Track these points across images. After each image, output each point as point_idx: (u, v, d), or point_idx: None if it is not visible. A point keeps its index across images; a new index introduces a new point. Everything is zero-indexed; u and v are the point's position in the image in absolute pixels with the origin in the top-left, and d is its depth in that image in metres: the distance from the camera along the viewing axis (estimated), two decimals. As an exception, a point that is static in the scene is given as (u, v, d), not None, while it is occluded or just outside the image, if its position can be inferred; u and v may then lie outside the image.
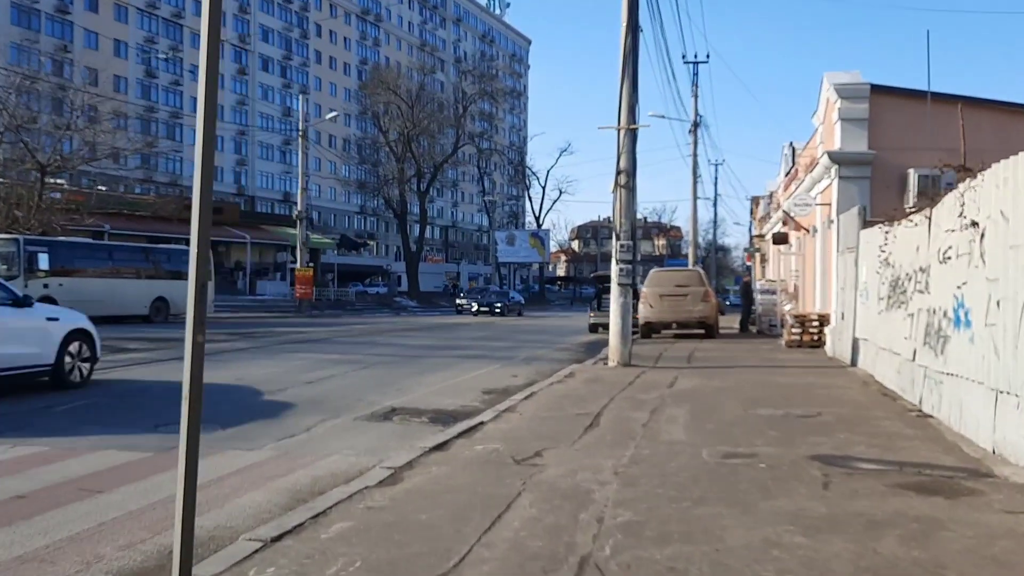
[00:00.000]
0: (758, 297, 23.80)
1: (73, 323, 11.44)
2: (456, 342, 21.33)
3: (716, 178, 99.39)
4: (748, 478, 5.76)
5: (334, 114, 45.96)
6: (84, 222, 29.25)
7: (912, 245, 9.95)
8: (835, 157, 16.12)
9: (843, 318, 15.03)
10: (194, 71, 76.67)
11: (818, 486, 5.53)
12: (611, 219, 13.80)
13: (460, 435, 7.66)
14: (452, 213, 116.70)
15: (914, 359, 9.41)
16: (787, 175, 23.28)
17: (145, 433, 8.06)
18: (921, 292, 9.34)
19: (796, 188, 21.86)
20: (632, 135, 13.65)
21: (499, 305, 43.44)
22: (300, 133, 39.30)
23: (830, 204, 17.17)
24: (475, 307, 43.24)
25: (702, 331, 21.26)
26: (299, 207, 38.87)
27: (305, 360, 15.21)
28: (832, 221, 16.64)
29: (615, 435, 7.57)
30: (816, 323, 17.41)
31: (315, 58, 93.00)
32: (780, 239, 22.69)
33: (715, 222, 74.34)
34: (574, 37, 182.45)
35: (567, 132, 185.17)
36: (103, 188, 47.55)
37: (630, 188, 13.59)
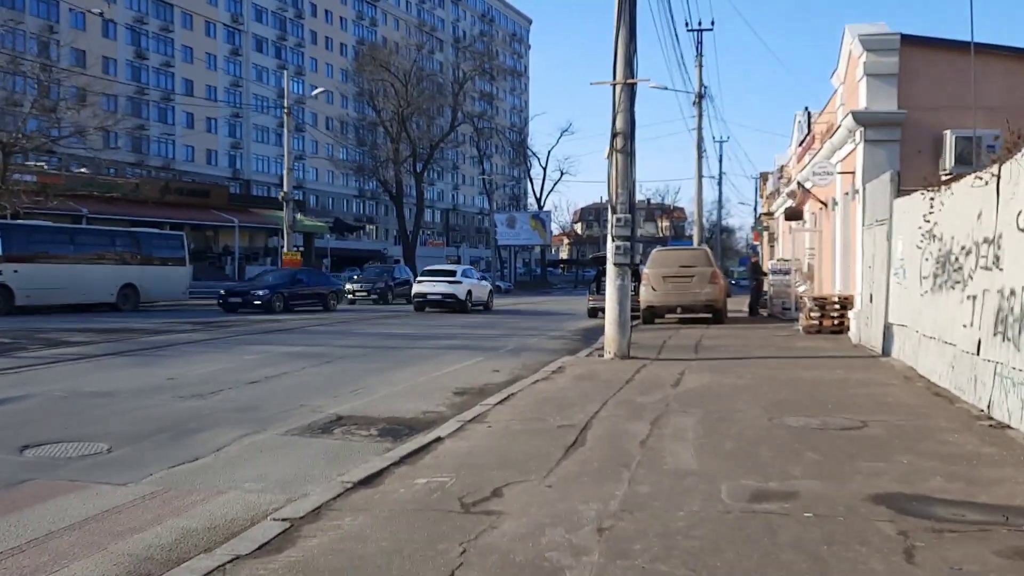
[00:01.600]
0: (769, 278, 21.96)
1: (490, 284, 31.38)
2: (441, 330, 19.55)
3: (721, 155, 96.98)
4: (792, 539, 3.96)
5: (320, 90, 43.95)
6: (48, 204, 27.40)
7: (971, 211, 8.13)
8: (860, 118, 14.25)
9: (871, 301, 13.22)
10: (186, 52, 74.99)
11: (898, 554, 3.73)
12: (607, 190, 11.98)
13: (404, 459, 5.91)
14: (453, 196, 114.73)
15: (978, 352, 7.60)
16: (801, 144, 21.40)
17: (8, 456, 6.31)
18: (987, 269, 7.52)
19: (812, 158, 19.98)
20: (630, 91, 11.80)
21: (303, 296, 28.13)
22: (285, 111, 37.40)
23: (853, 172, 15.33)
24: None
25: (709, 315, 19.43)
26: (285, 188, 37.04)
27: (262, 354, 13.44)
28: (856, 191, 14.80)
29: (604, 459, 5.79)
30: (837, 306, 15.59)
31: (310, 39, 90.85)
32: (793, 214, 20.83)
33: (720, 201, 72.28)
34: (575, 15, 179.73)
35: (568, 112, 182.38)
36: (85, 170, 45.80)
37: (628, 153, 11.76)
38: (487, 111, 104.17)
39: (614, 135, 11.78)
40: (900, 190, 12.03)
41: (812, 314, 15.53)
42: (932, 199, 9.71)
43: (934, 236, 9.66)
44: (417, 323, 22.26)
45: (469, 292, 28.05)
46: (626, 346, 11.85)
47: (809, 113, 19.60)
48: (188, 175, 70.12)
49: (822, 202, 18.83)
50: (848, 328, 15.06)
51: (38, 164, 42.35)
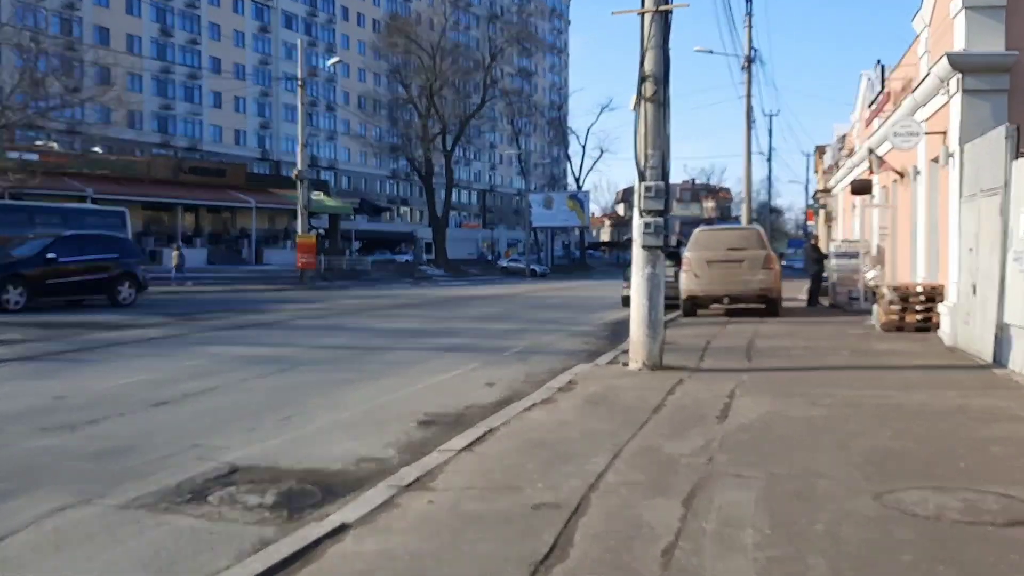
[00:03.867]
0: (832, 262, 19.01)
1: None
2: (449, 324, 16.99)
3: (771, 130, 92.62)
4: None
5: (335, 60, 41.66)
6: (29, 184, 25.24)
7: None
8: (958, 62, 11.30)
9: (974, 293, 10.34)
10: (213, 29, 73.14)
11: None
12: (633, 150, 9.26)
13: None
14: (490, 177, 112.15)
15: None
16: (871, 106, 18.37)
17: None
18: None
19: (883, 121, 16.99)
20: (662, 21, 9.05)
21: None
22: (299, 83, 35.01)
23: (945, 132, 12.40)
24: None
25: (762, 306, 16.59)
26: (299, 166, 34.73)
27: (209, 358, 10.99)
28: (951, 154, 11.86)
29: (594, 608, 3.17)
30: (922, 299, 12.69)
31: (342, 14, 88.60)
32: (861, 188, 17.85)
33: (769, 179, 68.78)
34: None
35: (610, 88, 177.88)
36: (98, 150, 44.06)
37: (660, 102, 9.03)
38: (525, 89, 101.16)
39: (642, 79, 9.05)
40: (1019, 151, 9.17)
41: (892, 307, 12.65)
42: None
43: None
44: (426, 315, 19.76)
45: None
46: (657, 353, 9.16)
47: (883, 67, 16.55)
48: (215, 155, 68.43)
49: (898, 172, 15.87)
50: (938, 326, 12.18)
51: (51, 144, 40.75)
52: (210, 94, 72.98)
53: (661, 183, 8.97)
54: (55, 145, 40.99)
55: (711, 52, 30.14)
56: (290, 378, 9.45)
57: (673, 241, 9.32)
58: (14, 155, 27.12)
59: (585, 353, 11.84)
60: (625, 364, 9.52)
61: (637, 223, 9.11)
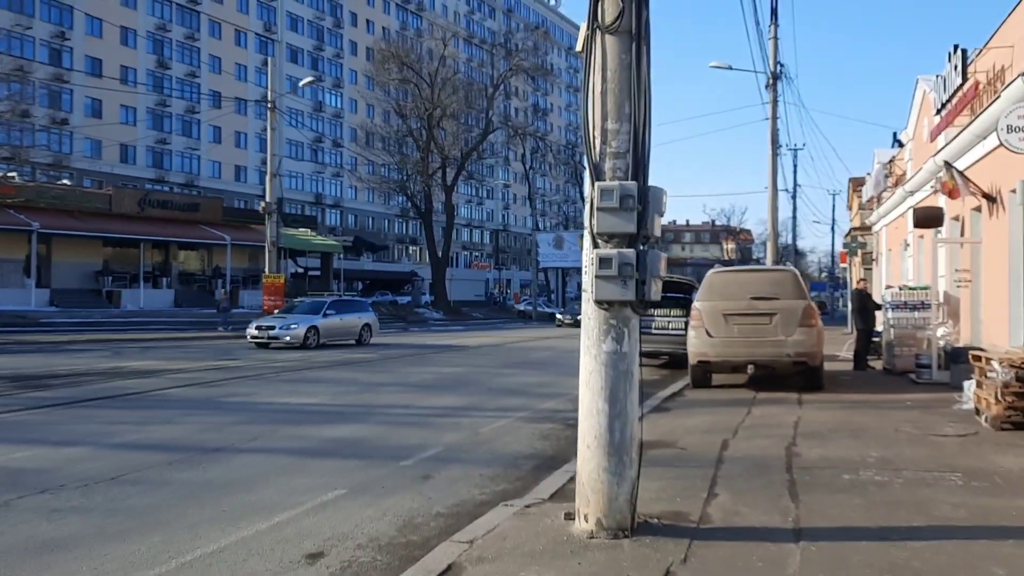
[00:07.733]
0: (888, 315, 14.63)
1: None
2: (373, 396, 12.71)
3: (795, 165, 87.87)
4: None
5: (308, 80, 38.17)
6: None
7: None
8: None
9: None
10: (213, 62, 70.32)
11: None
12: (581, 122, 5.11)
13: None
14: (503, 216, 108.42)
15: None
16: (940, 112, 14.04)
17: None
18: None
19: (961, 131, 12.72)
20: None
21: None
22: (269, 105, 31.22)
23: (1086, 127, 8.15)
24: None
25: (800, 374, 12.19)
26: (267, 198, 30.90)
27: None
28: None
29: None
30: (1049, 377, 8.30)
31: (350, 49, 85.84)
32: (928, 219, 13.53)
33: (794, 217, 64.12)
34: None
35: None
36: (67, 182, 40.63)
37: (631, 33, 4.85)
38: (540, 128, 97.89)
39: (597, -6, 4.88)
40: None
41: (1007, 391, 8.25)
42: None
43: None
44: (357, 380, 15.58)
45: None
46: (626, 503, 4.88)
47: (964, 53, 12.26)
48: (213, 191, 65.04)
49: (987, 196, 11.57)
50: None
51: (9, 175, 37.43)
52: (210, 128, 69.91)
53: (631, 183, 4.76)
54: (14, 176, 37.60)
55: (730, 68, 26.11)
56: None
57: (654, 294, 5.00)
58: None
59: (532, 464, 7.58)
60: (571, 516, 5.23)
61: (588, 257, 4.90)
